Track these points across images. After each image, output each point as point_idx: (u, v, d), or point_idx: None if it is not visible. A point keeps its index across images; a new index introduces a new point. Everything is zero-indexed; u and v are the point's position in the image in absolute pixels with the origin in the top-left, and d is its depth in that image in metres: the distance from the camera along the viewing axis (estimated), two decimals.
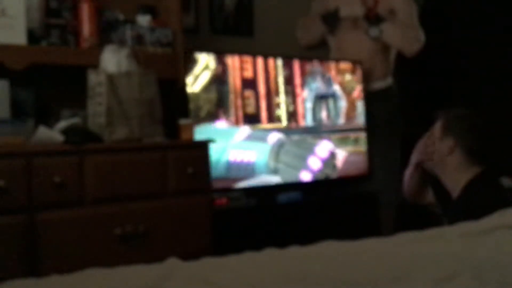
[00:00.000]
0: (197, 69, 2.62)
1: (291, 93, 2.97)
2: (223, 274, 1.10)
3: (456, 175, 2.05)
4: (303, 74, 3.03)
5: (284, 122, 2.93)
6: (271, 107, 2.89)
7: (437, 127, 2.11)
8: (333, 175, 3.07)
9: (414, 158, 2.19)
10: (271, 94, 2.89)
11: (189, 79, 2.58)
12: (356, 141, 3.23)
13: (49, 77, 2.34)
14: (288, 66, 2.97)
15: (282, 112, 2.93)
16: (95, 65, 2.16)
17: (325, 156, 3.03)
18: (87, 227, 1.97)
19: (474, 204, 1.92)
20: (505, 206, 1.57)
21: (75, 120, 2.14)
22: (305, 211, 2.87)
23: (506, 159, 3.54)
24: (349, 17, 3.32)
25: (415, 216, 3.28)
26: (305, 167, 2.94)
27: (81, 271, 1.15)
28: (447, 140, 2.06)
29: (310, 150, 2.98)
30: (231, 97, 2.74)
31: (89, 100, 2.14)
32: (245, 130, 2.77)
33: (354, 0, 3.32)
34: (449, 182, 2.08)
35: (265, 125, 2.86)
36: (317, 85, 3.08)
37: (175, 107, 2.49)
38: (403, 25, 3.32)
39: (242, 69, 2.79)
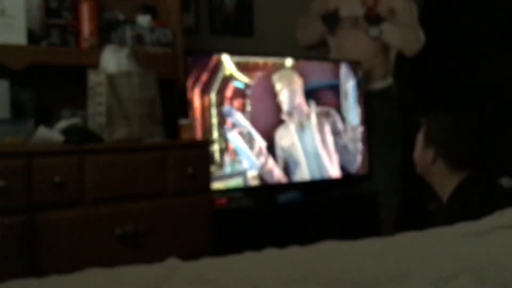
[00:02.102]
0: None
1: None
2: (223, 274, 1.10)
3: (442, 182, 2.09)
4: None
5: None
6: None
7: (420, 136, 2.14)
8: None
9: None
10: None
11: None
12: None
13: (49, 77, 2.34)
14: None
15: None
16: (95, 65, 2.16)
17: None
18: (87, 227, 1.97)
19: (460, 211, 1.93)
20: (492, 209, 1.57)
21: (75, 120, 2.13)
22: (305, 211, 2.87)
23: (506, 159, 3.54)
24: (349, 17, 3.32)
25: (415, 216, 3.28)
26: None
27: (81, 271, 1.15)
28: (429, 150, 2.09)
29: None
30: None
31: (89, 100, 2.14)
32: None
33: (354, 0, 3.32)
34: (438, 189, 2.14)
35: None
36: None
37: (175, 107, 2.49)
38: (403, 25, 3.32)
39: None
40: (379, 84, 3.38)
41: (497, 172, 2.27)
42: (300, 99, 2.97)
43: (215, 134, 2.63)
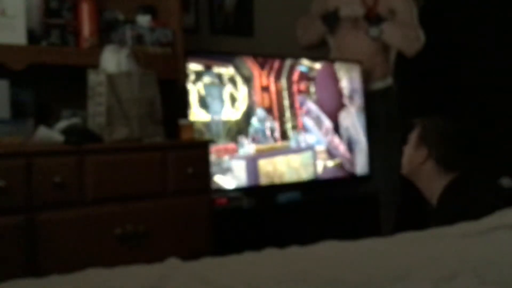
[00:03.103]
0: None
1: None
2: (223, 274, 1.10)
3: (431, 183, 2.11)
4: None
5: None
6: None
7: (413, 136, 2.16)
8: None
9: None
10: None
11: None
12: None
13: (49, 77, 2.34)
14: None
15: None
16: (95, 65, 2.16)
17: None
18: (87, 227, 1.97)
19: (450, 212, 1.94)
20: (484, 210, 1.57)
21: (75, 120, 2.14)
22: (305, 211, 2.87)
23: (506, 159, 3.54)
24: (349, 17, 3.32)
25: (415, 216, 3.28)
26: None
27: (81, 271, 1.15)
28: (421, 150, 2.12)
29: None
30: None
31: (89, 100, 2.14)
32: None
33: (354, 0, 3.32)
34: (425, 190, 2.15)
35: None
36: None
37: (175, 107, 2.50)
38: (403, 25, 3.32)
39: None
40: (379, 84, 3.38)
41: (491, 173, 2.27)
42: (359, 83, 3.28)
43: (288, 114, 2.98)
